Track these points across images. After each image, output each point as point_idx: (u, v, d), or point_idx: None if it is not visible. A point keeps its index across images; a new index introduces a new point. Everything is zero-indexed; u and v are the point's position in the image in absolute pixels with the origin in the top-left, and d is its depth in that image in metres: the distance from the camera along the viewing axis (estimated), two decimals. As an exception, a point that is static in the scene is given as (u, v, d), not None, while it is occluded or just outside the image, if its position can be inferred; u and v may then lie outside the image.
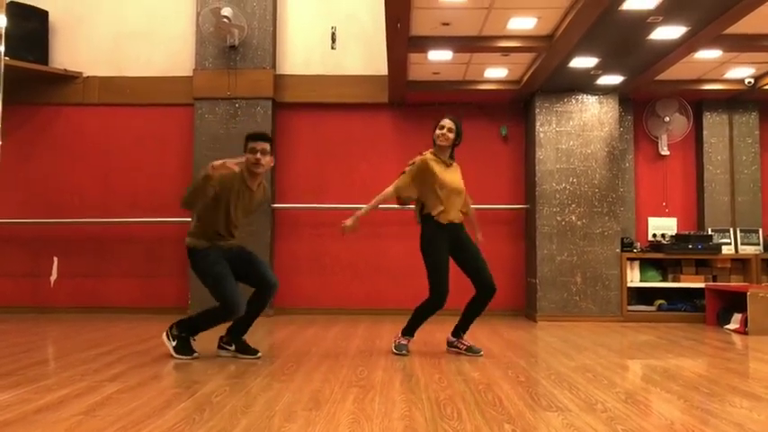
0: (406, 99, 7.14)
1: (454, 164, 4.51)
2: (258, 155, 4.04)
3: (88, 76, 7.29)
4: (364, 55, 7.25)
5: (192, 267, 4.23)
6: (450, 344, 4.55)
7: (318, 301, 7.06)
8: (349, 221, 4.37)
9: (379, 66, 6.93)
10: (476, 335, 5.39)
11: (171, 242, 7.14)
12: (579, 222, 6.68)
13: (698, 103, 7.16)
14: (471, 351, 4.40)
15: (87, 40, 7.35)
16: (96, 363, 3.89)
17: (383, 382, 3.36)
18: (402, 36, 5.26)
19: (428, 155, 4.41)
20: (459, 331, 4.52)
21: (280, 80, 7.18)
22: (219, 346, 4.32)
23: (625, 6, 4.58)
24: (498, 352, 4.53)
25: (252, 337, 5.32)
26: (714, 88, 6.73)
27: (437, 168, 4.35)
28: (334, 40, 7.22)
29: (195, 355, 4.11)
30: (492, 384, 3.33)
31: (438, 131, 4.40)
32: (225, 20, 6.74)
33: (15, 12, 6.83)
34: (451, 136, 4.39)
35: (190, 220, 6.99)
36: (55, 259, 7.21)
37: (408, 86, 6.73)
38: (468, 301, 4.47)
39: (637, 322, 6.48)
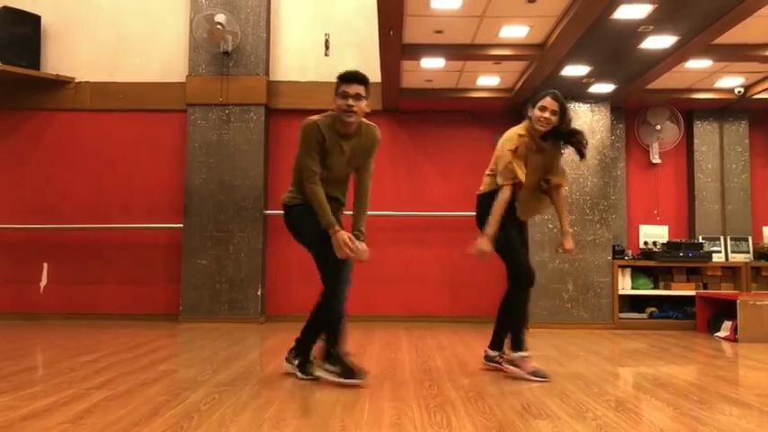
0: (400, 106, 7.15)
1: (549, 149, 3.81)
2: (350, 100, 3.41)
3: (81, 82, 7.28)
4: (358, 62, 7.24)
5: (288, 226, 3.72)
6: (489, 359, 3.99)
7: (310, 307, 7.02)
8: (485, 245, 3.72)
9: (373, 73, 6.86)
10: (467, 342, 5.39)
11: (163, 248, 7.12)
12: (571, 230, 6.65)
13: (689, 111, 7.21)
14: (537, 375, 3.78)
15: (80, 45, 7.33)
16: (84, 370, 3.86)
17: (373, 390, 3.35)
18: (395, 43, 5.27)
19: (526, 131, 3.77)
20: (500, 343, 3.96)
21: (273, 87, 7.19)
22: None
23: (616, 16, 4.61)
24: (489, 359, 4.51)
25: (243, 343, 5.32)
26: (704, 97, 6.78)
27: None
28: (327, 47, 7.23)
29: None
30: (482, 392, 3.33)
31: (538, 113, 3.72)
32: (218, 26, 6.75)
33: (7, 16, 6.82)
34: (554, 120, 3.72)
35: (182, 226, 7.01)
36: (45, 265, 7.17)
37: (402, 93, 6.75)
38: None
39: (628, 330, 6.49)
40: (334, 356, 3.53)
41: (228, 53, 6.98)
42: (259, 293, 6.86)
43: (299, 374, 3.65)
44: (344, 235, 3.44)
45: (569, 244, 3.98)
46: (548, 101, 3.73)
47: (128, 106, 7.24)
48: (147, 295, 7.09)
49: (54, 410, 2.81)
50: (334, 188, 3.61)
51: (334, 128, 3.50)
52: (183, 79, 7.14)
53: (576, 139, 3.80)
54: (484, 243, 3.70)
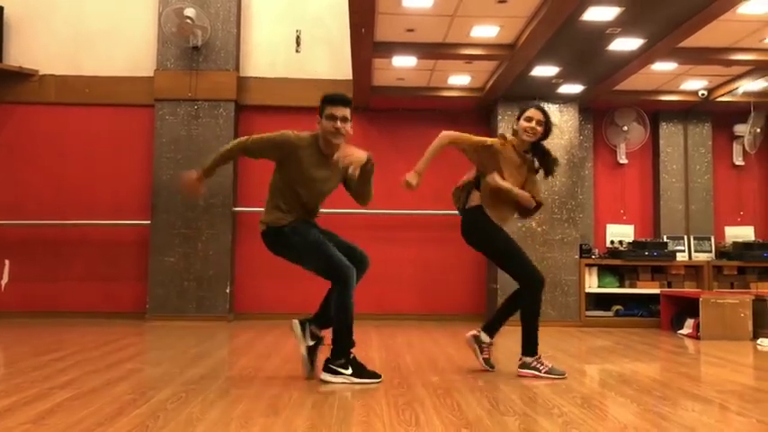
0: (371, 104, 7.14)
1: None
2: (338, 123, 3.44)
3: (44, 75, 7.11)
4: (329, 59, 7.23)
5: (280, 250, 3.59)
6: (526, 365, 3.80)
7: (279, 305, 6.99)
8: (413, 179, 3.72)
9: (344, 70, 6.92)
10: (437, 340, 5.42)
11: (129, 245, 7.00)
12: (539, 229, 6.77)
13: (654, 113, 7.35)
14: (488, 364, 3.89)
15: (44, 36, 7.17)
16: (48, 369, 3.78)
17: (343, 388, 3.35)
18: (367, 41, 5.27)
19: (509, 140, 3.80)
20: (533, 347, 3.83)
21: (243, 82, 7.12)
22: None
23: (585, 17, 4.68)
24: (458, 356, 4.55)
25: (211, 341, 5.26)
26: (670, 99, 6.92)
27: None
28: (298, 44, 7.19)
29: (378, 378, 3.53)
30: (451, 389, 3.35)
31: (524, 123, 3.77)
32: (188, 20, 6.66)
33: (-32, 6, 6.63)
34: (540, 130, 3.77)
35: (149, 222, 6.90)
36: (6, 262, 7.00)
37: (373, 91, 6.75)
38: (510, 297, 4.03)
39: (594, 327, 6.60)
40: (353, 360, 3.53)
41: (198, 48, 6.89)
42: (228, 291, 6.80)
43: (355, 380, 3.47)
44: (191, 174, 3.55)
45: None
46: (533, 111, 3.78)
47: (94, 100, 7.10)
48: (113, 293, 6.97)
49: (15, 410, 2.74)
50: (315, 204, 3.64)
51: (316, 147, 3.52)
52: (151, 74, 7.03)
53: (549, 161, 3.87)
54: (412, 176, 3.73)
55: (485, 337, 3.95)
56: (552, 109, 6.89)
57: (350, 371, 3.47)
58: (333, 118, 3.46)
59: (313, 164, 3.51)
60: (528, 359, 3.80)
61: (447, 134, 3.84)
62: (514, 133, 3.85)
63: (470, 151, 3.87)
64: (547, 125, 3.79)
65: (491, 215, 3.82)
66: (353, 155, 3.48)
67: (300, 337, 3.59)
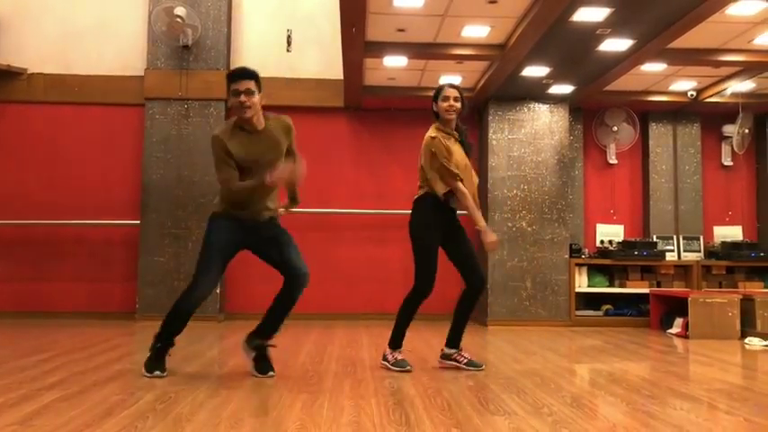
0: (362, 104, 7.14)
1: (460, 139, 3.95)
2: (242, 97, 3.46)
3: (33, 73, 7.06)
4: (320, 58, 7.22)
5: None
6: (446, 356, 4.02)
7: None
8: (494, 238, 3.95)
9: (335, 70, 6.91)
10: (427, 340, 5.42)
11: (118, 245, 6.97)
12: (530, 228, 6.79)
13: (644, 113, 7.39)
14: (472, 365, 3.93)
15: (34, 35, 7.11)
16: (35, 370, 3.75)
17: (333, 388, 3.34)
18: (357, 41, 5.26)
19: (437, 132, 3.89)
20: (456, 341, 4.02)
21: (233, 82, 7.08)
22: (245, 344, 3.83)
23: (575, 18, 4.69)
24: (449, 356, 4.55)
25: (201, 342, 5.23)
26: (659, 100, 6.96)
27: (451, 146, 3.88)
28: (289, 43, 7.17)
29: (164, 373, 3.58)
30: (441, 389, 3.35)
31: (442, 103, 3.88)
32: (178, 19, 6.63)
33: (-45, 4, 6.57)
34: (458, 105, 3.89)
35: (139, 222, 6.86)
36: (-6, 262, 6.94)
37: (364, 91, 6.74)
38: (458, 301, 4.06)
39: (584, 327, 6.62)
40: None
41: (188, 47, 6.86)
42: (218, 291, 6.77)
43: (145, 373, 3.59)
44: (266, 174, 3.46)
45: (491, 237, 3.96)
46: (447, 90, 3.90)
47: (83, 99, 7.06)
48: (102, 293, 6.93)
49: (2, 412, 2.72)
50: (263, 194, 3.61)
51: (236, 130, 3.55)
52: (141, 73, 6.99)
53: (462, 132, 3.99)
54: (490, 235, 3.93)
55: (449, 351, 4.04)
56: (543, 109, 6.92)
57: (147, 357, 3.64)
58: (237, 93, 3.48)
59: (242, 145, 3.52)
60: (387, 351, 3.98)
61: (454, 183, 3.88)
62: (436, 117, 3.95)
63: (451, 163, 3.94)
64: (462, 99, 3.92)
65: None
66: (281, 177, 3.49)
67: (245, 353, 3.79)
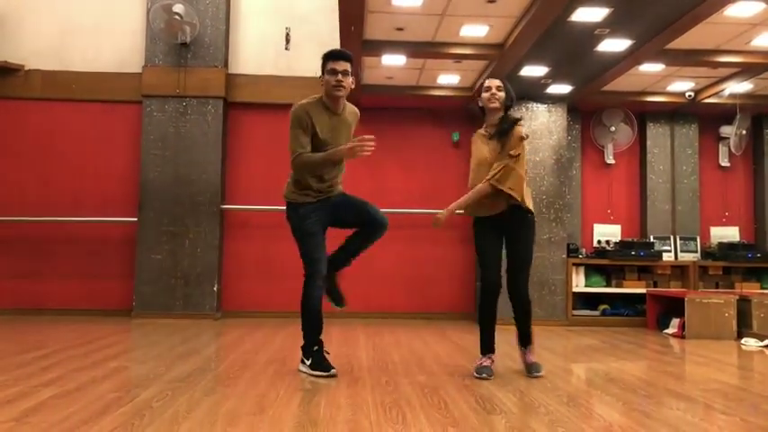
0: (360, 103, 7.10)
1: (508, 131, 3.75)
2: (339, 76, 3.57)
3: (30, 69, 7.04)
4: (318, 57, 7.09)
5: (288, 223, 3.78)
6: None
7: (267, 304, 6.97)
8: (442, 214, 3.85)
9: (333, 68, 6.90)
10: (425, 338, 5.43)
11: (115, 242, 6.96)
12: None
13: (642, 114, 7.40)
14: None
15: (31, 31, 7.10)
16: (32, 367, 3.74)
17: (329, 386, 3.34)
18: (356, 39, 5.26)
19: (475, 133, 3.89)
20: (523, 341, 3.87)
21: (232, 79, 7.09)
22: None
23: (573, 18, 4.70)
24: (446, 355, 4.56)
25: (197, 339, 5.23)
26: (657, 100, 6.96)
27: (477, 145, 3.86)
28: (288, 41, 7.16)
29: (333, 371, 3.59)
30: (438, 387, 3.35)
31: (484, 94, 3.79)
32: (176, 16, 6.62)
33: (-47, 0, 6.55)
34: (501, 95, 3.77)
35: (136, 219, 6.85)
36: (-9, 259, 6.93)
37: (362, 90, 6.73)
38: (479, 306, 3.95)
39: (581, 326, 6.63)
40: None
41: (186, 44, 6.85)
42: (215, 289, 6.77)
43: (312, 372, 3.62)
44: (344, 148, 3.55)
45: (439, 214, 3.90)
46: (488, 81, 3.82)
47: (81, 96, 7.05)
48: (99, 290, 6.92)
49: (-2, 409, 2.72)
50: (333, 171, 3.70)
51: (322, 108, 3.64)
52: (139, 70, 6.98)
53: (505, 120, 3.81)
54: (442, 214, 3.84)
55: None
56: (541, 109, 6.93)
57: (309, 362, 3.64)
58: (334, 72, 3.58)
59: (324, 123, 3.62)
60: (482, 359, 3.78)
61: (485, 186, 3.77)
62: (483, 111, 3.85)
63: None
64: (507, 88, 3.79)
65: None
66: (363, 150, 3.52)
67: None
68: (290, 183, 3.73)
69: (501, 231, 3.83)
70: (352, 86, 3.66)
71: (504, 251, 3.84)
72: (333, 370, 3.57)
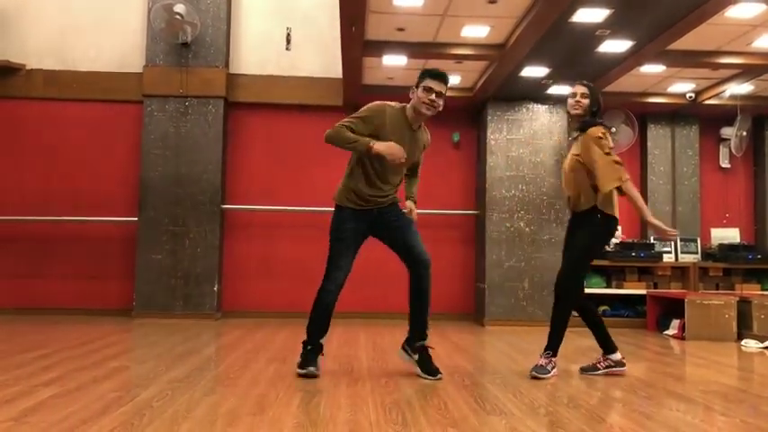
0: (361, 103, 7.06)
1: (582, 136, 3.73)
2: (434, 95, 3.56)
3: (32, 69, 7.05)
4: (319, 57, 7.22)
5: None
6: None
7: (268, 304, 6.97)
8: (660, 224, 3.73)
9: (335, 68, 6.91)
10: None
11: (116, 242, 6.96)
12: (527, 229, 6.80)
13: (642, 115, 7.39)
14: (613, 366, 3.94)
15: (32, 30, 7.10)
16: (32, 366, 3.75)
17: (330, 387, 3.34)
18: (357, 40, 5.26)
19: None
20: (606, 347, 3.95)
21: (233, 79, 7.09)
22: (403, 348, 3.80)
23: (574, 19, 4.69)
24: (446, 356, 4.55)
25: (198, 339, 5.24)
26: (658, 101, 6.96)
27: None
28: (289, 41, 7.16)
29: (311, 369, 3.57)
30: (438, 388, 3.35)
31: (570, 100, 3.78)
32: (177, 16, 6.62)
33: (-46, -1, 6.55)
34: (586, 102, 3.74)
35: (136, 219, 6.85)
36: (-8, 258, 6.93)
37: (363, 90, 6.73)
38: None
39: (581, 327, 6.56)
40: None
41: (187, 44, 6.85)
42: (215, 289, 6.77)
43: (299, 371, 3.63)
44: (382, 143, 3.54)
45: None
46: (575, 86, 3.81)
47: (82, 95, 7.05)
48: (99, 290, 6.92)
49: (-2, 408, 2.72)
50: (394, 175, 3.71)
51: (403, 118, 3.64)
52: (140, 69, 6.98)
53: (583, 126, 3.80)
54: (657, 222, 3.72)
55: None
56: (541, 110, 6.93)
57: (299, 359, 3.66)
58: (430, 90, 3.56)
59: (400, 133, 3.60)
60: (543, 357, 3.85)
61: (624, 182, 3.76)
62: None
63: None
64: (593, 94, 3.76)
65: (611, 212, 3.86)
66: (393, 154, 3.53)
67: (407, 359, 3.77)
68: (341, 185, 3.75)
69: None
70: (440, 109, 3.64)
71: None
72: (311, 369, 3.55)
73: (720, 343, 5.63)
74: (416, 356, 3.69)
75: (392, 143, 3.54)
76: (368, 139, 3.55)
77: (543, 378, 3.70)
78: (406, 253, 3.71)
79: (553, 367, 3.79)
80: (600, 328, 3.97)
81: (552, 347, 3.84)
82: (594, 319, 3.99)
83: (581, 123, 3.79)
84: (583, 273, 3.97)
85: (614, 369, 3.91)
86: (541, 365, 3.77)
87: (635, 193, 3.79)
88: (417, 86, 3.62)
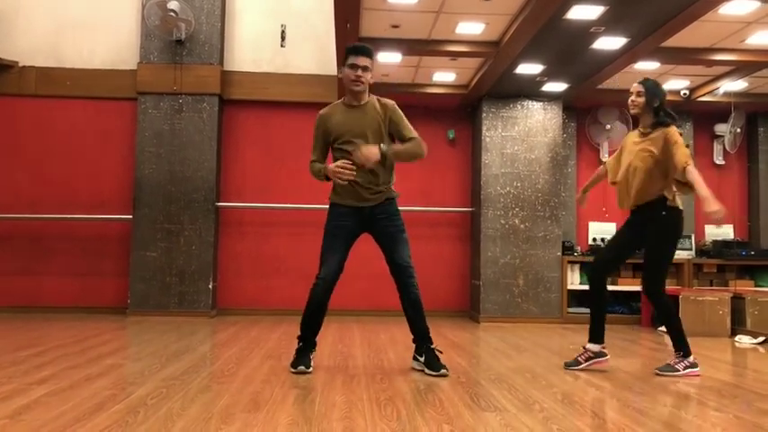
0: (355, 100, 7.11)
1: (655, 133, 3.75)
2: (359, 71, 3.62)
3: (25, 66, 7.01)
4: (314, 54, 7.20)
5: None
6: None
7: (263, 301, 6.97)
8: (718, 207, 3.53)
9: (329, 65, 6.91)
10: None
11: (110, 240, 6.94)
12: (522, 226, 6.81)
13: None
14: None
15: (25, 27, 7.06)
16: (26, 364, 3.74)
17: (325, 384, 3.34)
18: (351, 37, 5.25)
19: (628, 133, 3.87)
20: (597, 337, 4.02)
21: (227, 77, 7.07)
22: (414, 358, 3.84)
23: (569, 16, 4.70)
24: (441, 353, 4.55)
25: (193, 337, 5.23)
26: (652, 98, 6.96)
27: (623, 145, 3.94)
28: (283, 38, 7.15)
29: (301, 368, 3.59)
30: (433, 385, 3.36)
31: (629, 99, 3.85)
32: (171, 13, 6.59)
33: (-54, -4, 6.51)
34: (641, 101, 3.79)
35: (131, 217, 6.83)
36: (-15, 256, 6.90)
37: (357, 87, 6.72)
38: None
39: (576, 324, 6.63)
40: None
41: (181, 41, 6.83)
42: (210, 287, 6.76)
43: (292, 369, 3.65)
44: (331, 165, 3.67)
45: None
46: (633, 86, 3.84)
47: (75, 93, 7.02)
48: (94, 288, 6.90)
49: (-8, 406, 2.71)
50: (363, 177, 3.67)
51: (340, 105, 3.75)
52: (134, 67, 6.96)
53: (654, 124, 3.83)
54: (716, 205, 3.55)
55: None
56: (536, 107, 6.93)
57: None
58: (354, 67, 3.62)
59: (338, 119, 3.70)
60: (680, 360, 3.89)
61: (689, 164, 3.74)
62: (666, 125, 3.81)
63: None
64: (649, 91, 3.77)
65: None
66: (368, 157, 3.57)
67: (419, 367, 3.77)
68: (333, 183, 3.79)
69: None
70: (371, 82, 3.70)
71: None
72: (300, 367, 3.57)
73: (714, 339, 5.65)
74: (422, 358, 3.72)
75: (334, 164, 3.62)
76: (318, 167, 3.73)
77: (667, 376, 3.75)
78: (390, 260, 3.78)
79: (686, 367, 3.81)
80: (600, 318, 4.03)
81: (680, 348, 3.87)
82: (601, 308, 4.06)
83: (653, 122, 3.80)
84: (665, 275, 3.99)
85: (595, 360, 3.96)
86: (669, 364, 3.84)
87: (698, 177, 3.75)
88: (343, 65, 3.69)
